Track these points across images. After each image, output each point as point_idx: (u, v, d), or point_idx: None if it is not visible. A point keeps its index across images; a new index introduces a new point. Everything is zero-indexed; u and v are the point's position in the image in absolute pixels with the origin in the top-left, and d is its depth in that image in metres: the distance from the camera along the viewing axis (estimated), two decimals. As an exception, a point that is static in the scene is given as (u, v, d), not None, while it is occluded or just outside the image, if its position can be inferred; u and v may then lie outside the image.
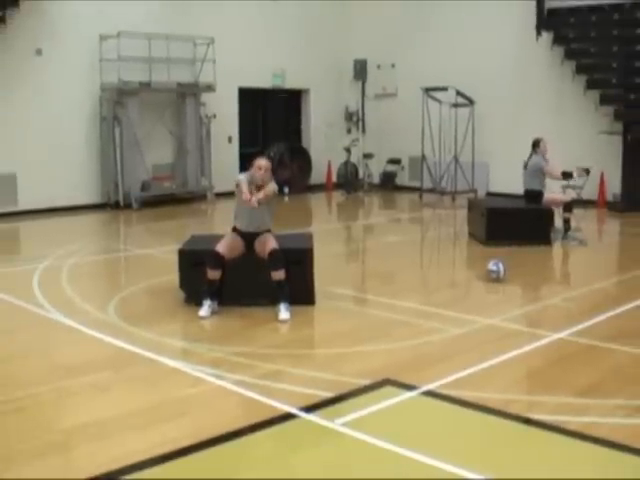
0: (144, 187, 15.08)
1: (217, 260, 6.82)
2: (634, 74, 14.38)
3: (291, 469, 3.99)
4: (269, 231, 7.11)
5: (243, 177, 7.01)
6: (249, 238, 7.01)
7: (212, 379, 5.26)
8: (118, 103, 14.57)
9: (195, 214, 14.76)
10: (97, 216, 14.04)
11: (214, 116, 15.98)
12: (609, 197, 14.54)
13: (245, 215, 7.05)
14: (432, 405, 4.88)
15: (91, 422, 4.55)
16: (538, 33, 15.44)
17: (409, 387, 5.06)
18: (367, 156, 17.91)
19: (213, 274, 6.84)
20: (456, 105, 15.99)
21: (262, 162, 7.05)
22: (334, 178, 18.28)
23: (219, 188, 15.91)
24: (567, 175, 10.87)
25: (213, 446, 4.19)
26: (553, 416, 4.54)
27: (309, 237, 7.99)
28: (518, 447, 4.28)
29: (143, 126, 15.03)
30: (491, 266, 8.24)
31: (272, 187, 7.02)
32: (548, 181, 11.02)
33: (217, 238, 7.16)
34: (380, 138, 18.13)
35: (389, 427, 4.47)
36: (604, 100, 14.32)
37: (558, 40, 15.20)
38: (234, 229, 7.11)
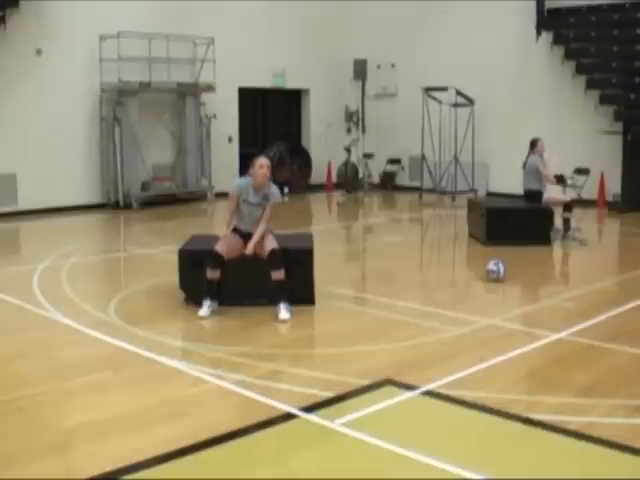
0: (144, 187, 15.09)
1: (216, 260, 6.82)
2: (634, 74, 14.38)
3: (291, 469, 3.99)
4: (270, 231, 7.10)
5: (235, 190, 7.01)
6: (249, 238, 7.00)
7: (212, 379, 5.25)
8: (118, 103, 14.58)
9: (195, 214, 14.76)
10: (97, 216, 14.04)
11: (214, 116, 15.98)
12: (609, 197, 14.53)
13: (245, 215, 7.06)
14: (432, 405, 4.87)
15: (91, 422, 4.54)
16: (538, 33, 15.46)
17: (409, 387, 5.06)
18: (367, 156, 17.90)
19: (212, 274, 6.84)
20: (456, 105, 15.99)
21: (264, 160, 7.06)
22: (334, 178, 18.29)
23: (219, 188, 15.90)
24: (560, 179, 10.95)
25: (213, 446, 4.18)
26: (553, 416, 4.54)
27: (309, 237, 7.99)
28: (518, 447, 4.28)
29: (143, 126, 15.04)
30: (491, 266, 8.24)
31: (273, 203, 7.03)
32: (548, 181, 11.04)
33: (217, 238, 7.16)
34: (380, 138, 18.13)
35: (389, 427, 4.47)
36: (604, 100, 14.32)
37: (558, 40, 15.21)
38: (234, 229, 7.11)
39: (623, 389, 5.09)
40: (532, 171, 10.75)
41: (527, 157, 10.91)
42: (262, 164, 6.99)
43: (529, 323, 6.98)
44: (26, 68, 13.66)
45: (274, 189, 7.10)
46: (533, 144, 10.86)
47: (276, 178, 15.71)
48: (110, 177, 14.69)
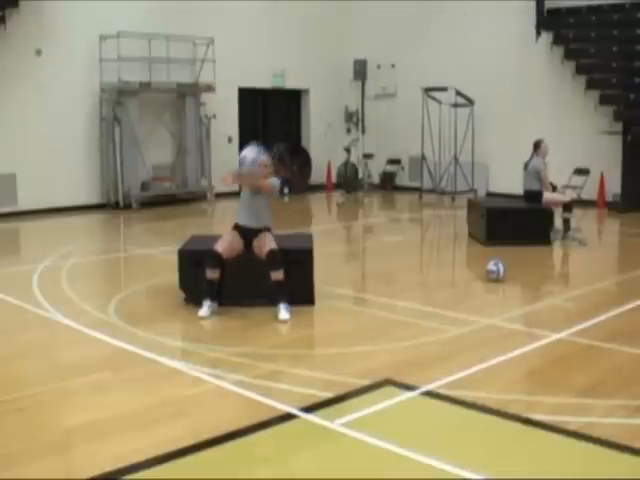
0: (144, 187, 15.09)
1: (216, 259, 6.81)
2: (634, 74, 14.39)
3: (291, 469, 3.99)
4: (269, 230, 7.09)
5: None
6: (248, 235, 6.98)
7: (212, 379, 5.25)
8: (118, 103, 14.58)
9: (195, 214, 14.76)
10: (97, 216, 14.04)
11: (214, 116, 15.98)
12: (609, 197, 14.53)
13: (244, 208, 7.05)
14: (432, 405, 4.88)
15: (91, 422, 4.54)
16: (538, 33, 15.46)
17: (409, 387, 5.06)
18: (367, 156, 17.91)
19: (212, 274, 6.83)
20: (456, 105, 15.99)
21: (264, 158, 7.07)
22: (334, 178, 18.29)
23: (219, 188, 15.92)
24: (554, 189, 10.99)
25: (213, 446, 4.19)
26: (553, 416, 4.54)
27: (309, 237, 7.99)
28: (518, 447, 4.28)
29: (143, 126, 15.04)
30: (491, 266, 8.24)
31: (271, 181, 7.01)
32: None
33: (217, 238, 7.15)
34: (380, 138, 18.13)
35: (389, 427, 4.46)
36: (604, 100, 14.32)
37: (558, 40, 15.21)
38: (235, 226, 7.10)
39: (623, 389, 5.09)
40: (533, 172, 10.74)
41: (530, 158, 10.90)
42: (262, 162, 7.03)
43: (529, 323, 6.98)
44: (26, 68, 13.66)
45: (274, 178, 7.11)
46: (537, 145, 10.84)
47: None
48: (110, 177, 14.69)
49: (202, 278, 6.84)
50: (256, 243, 6.96)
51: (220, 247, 6.85)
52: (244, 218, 7.05)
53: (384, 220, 14.69)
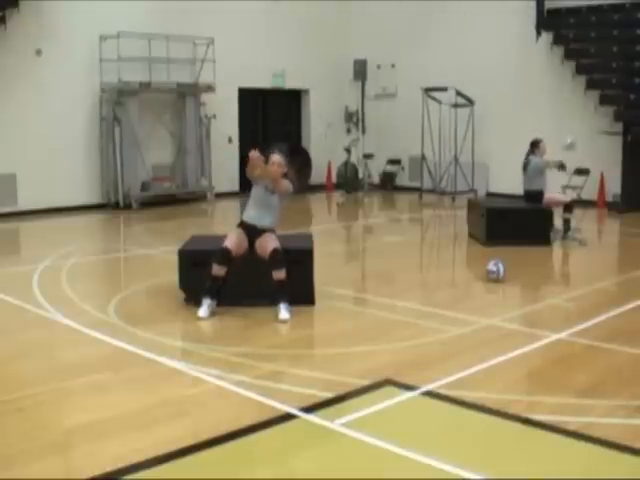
0: (144, 187, 15.09)
1: (225, 256, 6.76)
2: (634, 74, 14.39)
3: (291, 469, 3.99)
4: (273, 231, 7.09)
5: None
6: (252, 233, 6.97)
7: (212, 379, 5.25)
8: (118, 103, 14.58)
9: (195, 214, 14.76)
10: (97, 216, 14.05)
11: (214, 116, 15.98)
12: (609, 197, 14.53)
13: (254, 205, 7.05)
14: (432, 405, 4.88)
15: (91, 422, 4.54)
16: (538, 33, 15.47)
17: (409, 387, 5.06)
18: (367, 156, 17.91)
19: (219, 270, 6.77)
20: (456, 105, 15.99)
21: (277, 157, 7.12)
22: (334, 178, 18.28)
23: (219, 188, 15.94)
24: (562, 167, 10.89)
25: (213, 446, 4.18)
26: (553, 416, 4.54)
27: (309, 237, 8.00)
28: (518, 447, 4.28)
29: (143, 126, 15.04)
30: (491, 266, 8.24)
31: (287, 183, 7.09)
32: (548, 181, 11.01)
33: (217, 239, 7.14)
34: (380, 138, 18.13)
35: (389, 427, 4.46)
36: (604, 100, 14.33)
37: (558, 40, 15.21)
38: (240, 224, 7.09)
39: (623, 389, 5.09)
40: (535, 172, 10.70)
41: (527, 157, 10.85)
42: (277, 162, 7.06)
43: (529, 323, 6.98)
44: (26, 68, 13.66)
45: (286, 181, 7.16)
46: (535, 144, 10.81)
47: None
48: (110, 177, 14.69)
49: (203, 277, 6.80)
50: (258, 243, 6.95)
51: (229, 243, 6.82)
52: (251, 215, 7.04)
53: (384, 220, 14.69)
